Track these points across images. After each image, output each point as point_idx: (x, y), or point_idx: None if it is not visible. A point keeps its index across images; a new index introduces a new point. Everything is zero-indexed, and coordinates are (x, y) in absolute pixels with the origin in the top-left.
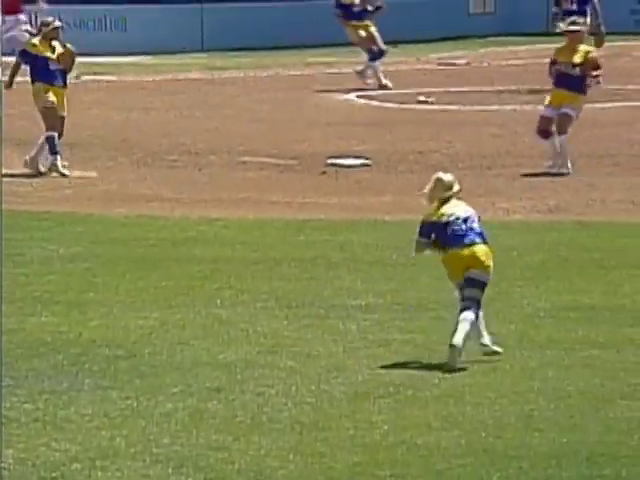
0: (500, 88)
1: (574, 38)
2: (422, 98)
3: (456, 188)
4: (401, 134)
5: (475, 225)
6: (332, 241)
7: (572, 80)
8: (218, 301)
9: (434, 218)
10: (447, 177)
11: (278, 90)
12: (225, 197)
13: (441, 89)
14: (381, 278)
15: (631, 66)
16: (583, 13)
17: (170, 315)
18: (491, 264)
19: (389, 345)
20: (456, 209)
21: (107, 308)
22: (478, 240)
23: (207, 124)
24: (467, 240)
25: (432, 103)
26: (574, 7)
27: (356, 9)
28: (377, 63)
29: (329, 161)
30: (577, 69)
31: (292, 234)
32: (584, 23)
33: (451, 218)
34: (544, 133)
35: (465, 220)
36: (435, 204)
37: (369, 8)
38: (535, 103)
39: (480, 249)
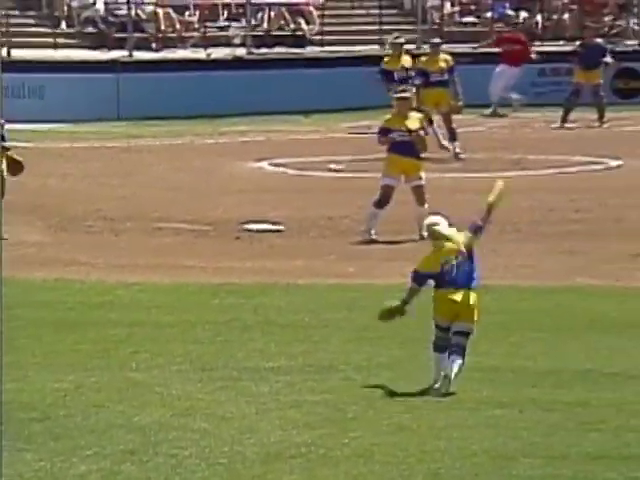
0: None
1: (403, 105)
2: (333, 166)
3: (445, 224)
4: (312, 200)
5: (468, 268)
6: (246, 304)
7: (409, 146)
8: (133, 364)
9: (431, 270)
10: (435, 219)
11: (193, 158)
12: (141, 262)
13: (351, 157)
14: (293, 340)
15: (532, 137)
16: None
17: (85, 378)
18: (476, 313)
19: (301, 406)
20: (450, 251)
21: (23, 371)
22: (467, 285)
23: (123, 191)
24: (456, 284)
25: (342, 171)
26: (409, 74)
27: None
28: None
29: (243, 227)
30: (411, 135)
31: (207, 298)
32: (411, 91)
33: (445, 267)
34: (386, 203)
35: (458, 266)
36: (432, 251)
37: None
38: (441, 172)
39: (468, 297)
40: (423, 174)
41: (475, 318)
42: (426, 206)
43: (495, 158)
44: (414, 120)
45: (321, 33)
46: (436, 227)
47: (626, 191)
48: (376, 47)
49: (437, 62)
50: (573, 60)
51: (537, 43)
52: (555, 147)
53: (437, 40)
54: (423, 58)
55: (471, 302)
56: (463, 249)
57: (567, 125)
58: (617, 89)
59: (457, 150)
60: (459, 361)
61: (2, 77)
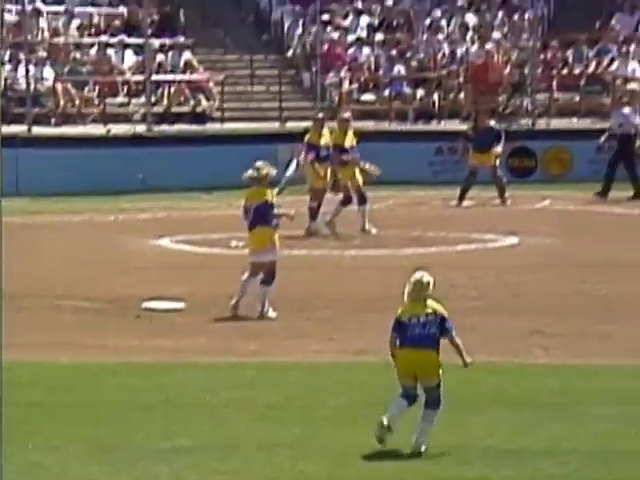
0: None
1: (260, 180)
2: (234, 243)
3: (431, 286)
4: (214, 278)
5: (432, 331)
6: (146, 384)
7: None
8: (30, 445)
9: (403, 317)
10: (425, 278)
11: (92, 235)
12: (40, 340)
13: None
14: (195, 420)
15: (430, 214)
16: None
17: None
18: (437, 371)
19: None
20: (421, 311)
21: None
22: (427, 346)
23: (22, 268)
24: (418, 344)
25: (243, 247)
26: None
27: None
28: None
29: (143, 304)
30: (253, 210)
31: (106, 377)
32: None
33: (412, 320)
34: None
35: (424, 325)
36: (411, 301)
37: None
38: (342, 248)
39: (427, 357)
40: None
41: (437, 373)
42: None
43: (394, 235)
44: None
45: (221, 110)
46: (420, 284)
47: (523, 268)
48: (276, 124)
49: (348, 137)
50: (462, 141)
51: (434, 122)
52: (453, 225)
53: (347, 115)
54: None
55: (431, 362)
56: (436, 313)
57: (464, 204)
58: (512, 168)
59: (367, 226)
60: (434, 416)
61: None
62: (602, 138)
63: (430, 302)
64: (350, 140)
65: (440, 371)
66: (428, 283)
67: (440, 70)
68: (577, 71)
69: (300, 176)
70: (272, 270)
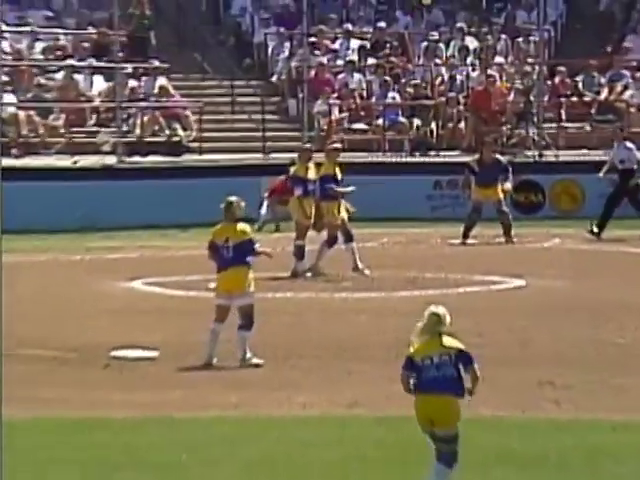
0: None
1: (229, 216)
2: (212, 285)
3: (447, 321)
4: (190, 323)
5: (448, 373)
6: (115, 442)
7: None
8: None
9: (417, 357)
10: (441, 310)
11: (57, 276)
12: None
13: None
14: None
15: (428, 254)
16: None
17: None
18: (455, 418)
19: None
20: (435, 351)
21: None
22: (443, 390)
23: None
24: (432, 389)
25: None
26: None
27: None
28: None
29: (112, 353)
30: (231, 248)
31: (70, 434)
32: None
33: (425, 361)
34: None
35: (438, 367)
36: (425, 338)
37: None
38: (332, 291)
39: (444, 402)
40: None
41: (454, 422)
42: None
43: (389, 276)
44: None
45: (199, 140)
46: (436, 317)
47: (531, 313)
48: (259, 156)
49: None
50: (465, 174)
51: (432, 153)
52: (454, 265)
53: (338, 144)
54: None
55: (447, 408)
56: (450, 352)
57: (468, 242)
58: (517, 203)
59: (359, 265)
60: (446, 471)
61: None
62: (601, 172)
63: (446, 339)
64: (339, 172)
65: (458, 420)
66: (444, 316)
67: (438, 97)
68: (587, 99)
69: (277, 213)
70: (251, 314)
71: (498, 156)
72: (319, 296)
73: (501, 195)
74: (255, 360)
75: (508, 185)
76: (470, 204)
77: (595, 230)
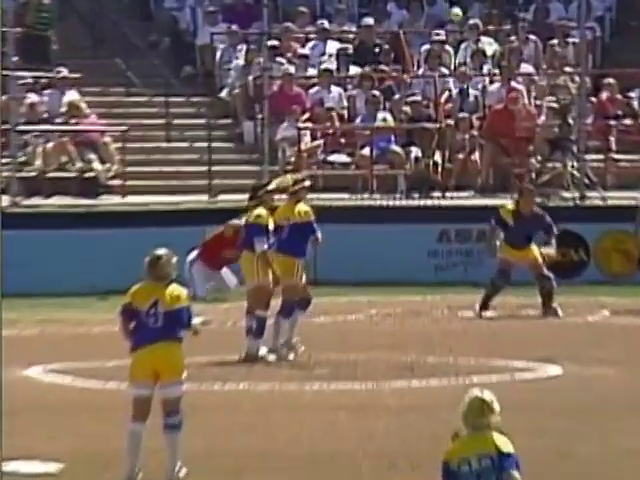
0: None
1: (156, 275)
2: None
3: (496, 410)
4: (105, 425)
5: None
6: None
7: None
8: None
9: (452, 462)
10: (486, 395)
11: None
12: None
13: None
14: None
15: (431, 330)
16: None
17: None
18: None
19: None
20: (473, 452)
21: None
22: None
23: None
24: None
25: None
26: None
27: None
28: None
29: (4, 467)
30: (161, 316)
31: None
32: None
33: (462, 467)
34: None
35: (478, 475)
36: (464, 434)
37: None
38: (301, 380)
39: None
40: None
41: None
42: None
43: (377, 360)
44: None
45: (122, 176)
46: (479, 405)
47: (570, 412)
48: (203, 198)
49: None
50: (493, 229)
51: (436, 194)
52: (466, 345)
53: (307, 182)
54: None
55: None
56: (494, 452)
57: (486, 314)
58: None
59: (293, 341)
60: None
61: None
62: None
63: (493, 435)
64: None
65: None
66: (490, 403)
67: (444, 119)
68: None
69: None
70: (179, 408)
71: (538, 210)
72: (284, 388)
73: (539, 257)
74: (182, 473)
75: (551, 250)
76: (495, 264)
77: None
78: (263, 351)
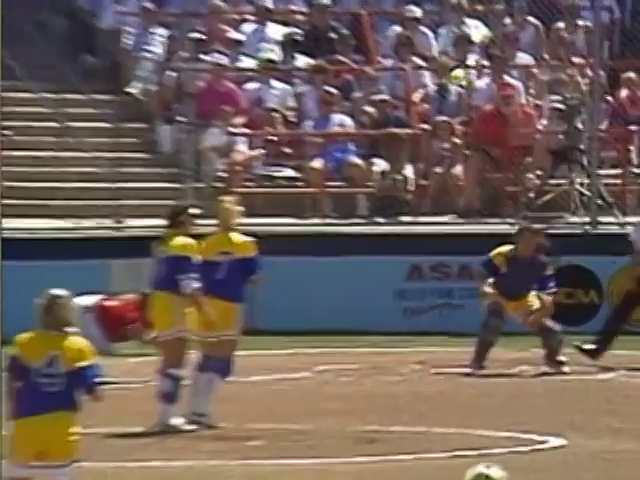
0: None
1: (51, 322)
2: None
3: None
4: None
5: None
6: None
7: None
8: None
9: None
10: (494, 473)
11: None
12: None
13: None
14: None
15: (397, 391)
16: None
17: None
18: None
19: None
20: None
21: None
22: None
23: None
24: None
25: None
26: None
27: None
28: None
29: None
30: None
31: None
32: None
33: None
34: None
35: None
36: None
37: None
38: (231, 455)
39: None
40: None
41: None
42: None
43: (329, 430)
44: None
45: (2, 194)
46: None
47: None
48: (107, 222)
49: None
50: (484, 274)
51: (406, 219)
52: (441, 412)
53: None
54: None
55: None
56: None
57: (479, 372)
58: (555, 305)
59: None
60: None
61: None
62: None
63: None
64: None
65: None
66: None
67: (418, 123)
68: None
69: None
70: None
71: (538, 255)
72: (209, 465)
73: (538, 308)
74: None
75: (548, 298)
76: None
77: (586, 347)
78: (178, 420)
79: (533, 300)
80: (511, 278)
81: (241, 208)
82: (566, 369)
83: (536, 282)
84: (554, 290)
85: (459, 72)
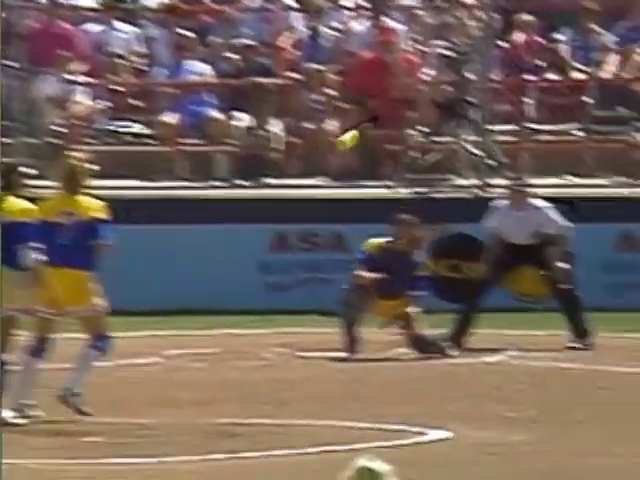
0: None
1: None
2: None
3: None
4: None
5: None
6: None
7: None
8: None
9: None
10: (377, 467)
11: None
12: None
13: None
14: None
15: (259, 378)
16: None
17: None
18: None
19: None
20: None
21: None
22: None
23: None
24: None
25: None
26: None
27: None
28: None
29: None
30: None
31: None
32: None
33: None
34: None
35: None
36: None
37: None
38: (62, 453)
39: None
40: None
41: None
42: None
43: (180, 424)
44: None
45: None
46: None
47: None
48: None
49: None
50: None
51: (273, 182)
52: (311, 400)
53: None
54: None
55: None
56: None
57: (355, 355)
58: (438, 280)
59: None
60: None
61: None
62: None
63: None
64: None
65: None
66: (385, 477)
67: (287, 72)
68: (580, 76)
69: None
70: None
71: (417, 251)
72: (40, 463)
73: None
74: None
75: (413, 310)
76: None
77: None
78: (6, 413)
79: (401, 307)
80: (384, 273)
81: (91, 167)
82: (452, 351)
83: (407, 281)
84: (422, 294)
85: None
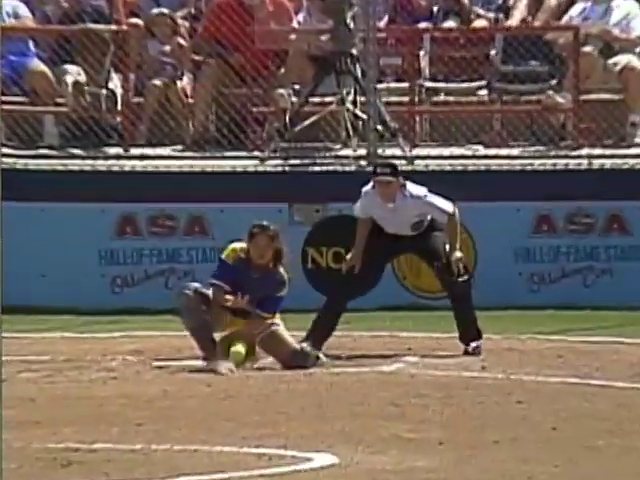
0: None
1: None
2: None
3: None
4: None
5: None
6: None
7: None
8: None
9: None
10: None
11: None
12: None
13: None
14: None
15: (98, 394)
16: None
17: None
18: None
19: None
20: None
21: None
22: None
23: None
24: None
25: None
26: None
27: None
28: None
29: None
30: None
31: None
32: None
33: None
34: None
35: None
36: None
37: None
38: None
39: None
40: None
41: None
42: None
43: (7, 448)
44: None
45: None
46: None
47: None
48: None
49: None
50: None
51: (114, 151)
52: (167, 422)
53: None
54: None
55: None
56: None
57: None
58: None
59: None
60: None
61: None
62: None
63: None
64: None
65: None
66: None
67: (127, 17)
68: (482, 23)
69: None
70: None
71: (280, 269)
72: None
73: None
74: None
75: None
76: None
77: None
78: None
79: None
80: (237, 287)
81: None
82: (322, 357)
83: (264, 302)
84: (267, 315)
85: None
